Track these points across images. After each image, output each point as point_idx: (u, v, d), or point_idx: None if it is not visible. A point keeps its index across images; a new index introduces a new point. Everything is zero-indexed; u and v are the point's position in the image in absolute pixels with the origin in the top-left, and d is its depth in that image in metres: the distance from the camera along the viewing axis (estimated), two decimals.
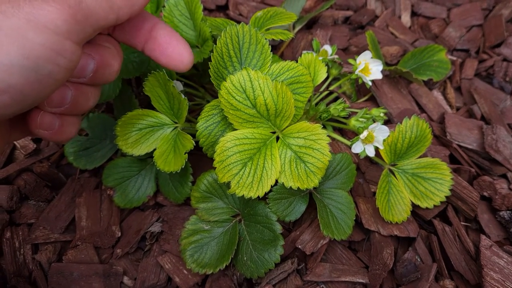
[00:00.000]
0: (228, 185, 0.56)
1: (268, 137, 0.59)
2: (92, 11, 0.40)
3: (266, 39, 0.61)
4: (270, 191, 0.61)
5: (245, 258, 0.62)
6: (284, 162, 0.58)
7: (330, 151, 0.56)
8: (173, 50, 0.51)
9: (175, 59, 0.52)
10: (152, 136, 0.64)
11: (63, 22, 0.37)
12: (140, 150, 0.64)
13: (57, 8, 0.37)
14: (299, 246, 0.64)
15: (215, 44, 0.60)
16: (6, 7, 0.35)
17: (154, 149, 0.64)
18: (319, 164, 0.56)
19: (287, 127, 0.60)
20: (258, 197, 0.57)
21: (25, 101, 0.38)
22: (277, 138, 0.60)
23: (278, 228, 0.61)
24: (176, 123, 0.65)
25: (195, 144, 0.60)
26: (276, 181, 0.59)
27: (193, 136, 0.62)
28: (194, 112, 0.79)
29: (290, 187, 0.57)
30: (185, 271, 0.65)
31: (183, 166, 0.59)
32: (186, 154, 0.59)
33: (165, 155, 0.62)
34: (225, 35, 0.60)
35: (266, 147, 0.58)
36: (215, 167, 0.56)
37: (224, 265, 0.61)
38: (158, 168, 0.61)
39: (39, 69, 0.37)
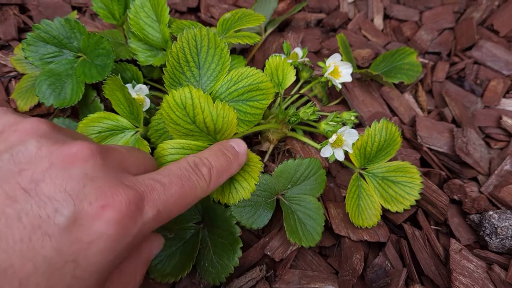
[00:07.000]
0: None
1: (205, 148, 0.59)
2: None
3: (225, 43, 0.59)
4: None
5: (206, 264, 0.60)
6: None
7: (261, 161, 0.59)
8: None
9: None
10: (112, 140, 0.62)
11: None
12: None
13: None
14: (268, 253, 0.63)
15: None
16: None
17: None
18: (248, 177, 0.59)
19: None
20: (219, 201, 0.56)
21: None
22: None
23: (237, 230, 0.59)
24: (137, 127, 0.63)
25: (151, 151, 0.59)
26: None
27: None
28: None
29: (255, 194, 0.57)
30: (150, 280, 0.63)
31: None
32: None
33: None
34: (182, 39, 0.58)
35: None
36: None
37: (185, 273, 0.59)
38: None
39: None
